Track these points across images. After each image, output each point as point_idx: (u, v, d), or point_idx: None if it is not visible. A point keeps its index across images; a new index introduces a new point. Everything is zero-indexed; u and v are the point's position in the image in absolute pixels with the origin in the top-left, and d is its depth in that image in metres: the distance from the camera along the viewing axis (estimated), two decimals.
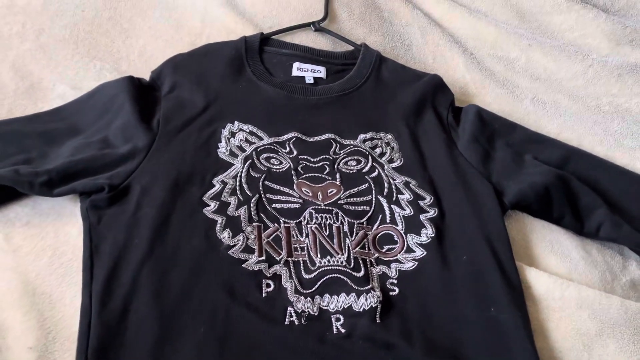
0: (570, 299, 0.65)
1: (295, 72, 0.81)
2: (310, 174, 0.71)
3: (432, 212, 0.70)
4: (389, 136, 0.77)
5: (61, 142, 0.70)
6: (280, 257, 0.64)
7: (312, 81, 0.81)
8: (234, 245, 0.63)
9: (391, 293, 0.63)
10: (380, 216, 0.69)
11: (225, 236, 0.63)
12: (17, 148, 0.68)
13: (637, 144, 0.86)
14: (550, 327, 0.63)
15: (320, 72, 0.81)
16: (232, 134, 0.73)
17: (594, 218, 0.72)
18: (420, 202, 0.70)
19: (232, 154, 0.71)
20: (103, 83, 0.76)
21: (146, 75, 0.77)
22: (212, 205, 0.66)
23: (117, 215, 0.63)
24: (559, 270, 0.69)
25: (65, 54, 0.82)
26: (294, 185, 0.69)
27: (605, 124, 0.88)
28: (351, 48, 0.87)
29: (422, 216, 0.69)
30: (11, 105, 0.75)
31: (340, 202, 0.69)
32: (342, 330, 0.60)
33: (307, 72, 0.81)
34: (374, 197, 0.70)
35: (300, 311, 0.60)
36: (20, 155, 0.67)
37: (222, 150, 0.71)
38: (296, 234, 0.66)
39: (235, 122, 0.74)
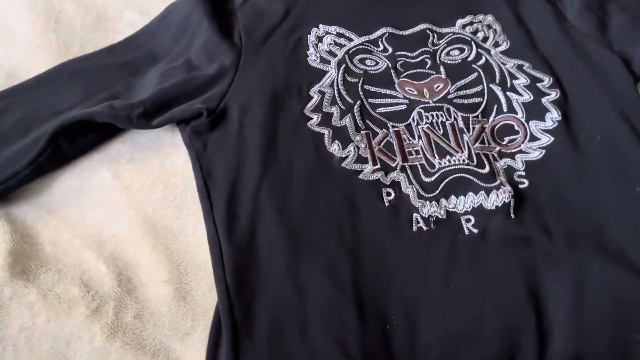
0: None
1: None
2: (412, 71, 0.65)
3: (554, 94, 0.63)
4: (489, 18, 0.69)
5: (143, 71, 0.66)
6: (395, 163, 0.59)
7: None
8: (346, 157, 0.59)
9: (520, 186, 0.58)
10: (496, 106, 0.63)
11: (335, 148, 0.60)
12: (101, 84, 0.65)
13: None
14: None
15: None
16: (319, 39, 0.67)
17: None
18: (538, 84, 0.64)
19: (324, 61, 0.65)
20: (172, 3, 0.70)
21: None
22: (315, 118, 0.61)
23: (222, 138, 0.60)
24: None
25: None
26: (396, 85, 0.64)
27: None
28: None
29: (543, 100, 0.63)
30: (82, 40, 0.71)
31: (449, 96, 0.63)
32: (475, 231, 0.56)
33: None
34: (485, 87, 0.64)
35: (427, 216, 0.56)
36: (106, 90, 0.64)
37: (312, 58, 0.66)
38: (407, 137, 0.61)
39: (320, 26, 0.68)
